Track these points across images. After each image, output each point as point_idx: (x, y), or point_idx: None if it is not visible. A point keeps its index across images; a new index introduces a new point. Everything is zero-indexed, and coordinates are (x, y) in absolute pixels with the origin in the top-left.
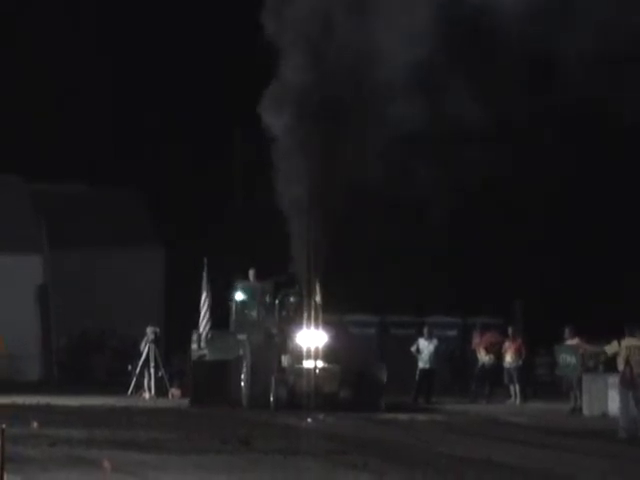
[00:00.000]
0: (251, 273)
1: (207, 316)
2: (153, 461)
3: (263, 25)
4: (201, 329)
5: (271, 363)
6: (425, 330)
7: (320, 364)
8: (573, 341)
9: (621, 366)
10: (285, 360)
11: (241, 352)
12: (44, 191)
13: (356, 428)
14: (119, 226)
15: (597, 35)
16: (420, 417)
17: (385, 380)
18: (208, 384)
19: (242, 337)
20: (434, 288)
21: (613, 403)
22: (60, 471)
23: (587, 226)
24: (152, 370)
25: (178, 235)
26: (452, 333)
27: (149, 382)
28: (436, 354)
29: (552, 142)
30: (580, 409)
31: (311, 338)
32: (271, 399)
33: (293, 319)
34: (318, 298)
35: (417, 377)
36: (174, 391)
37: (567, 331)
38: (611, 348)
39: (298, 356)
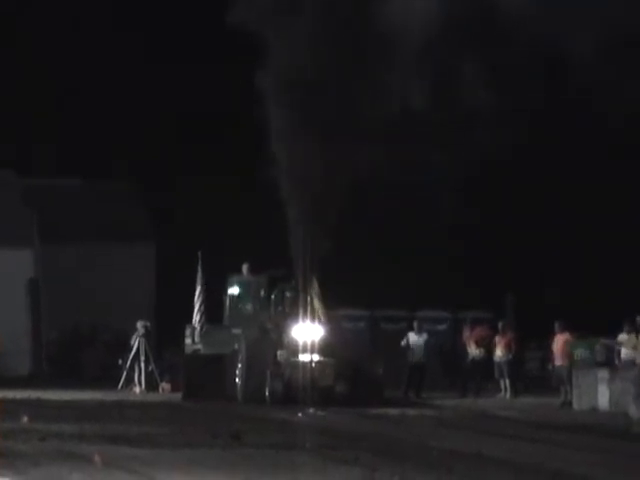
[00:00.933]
0: (245, 267)
1: (201, 310)
2: (144, 456)
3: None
4: (195, 323)
5: (266, 357)
6: (415, 324)
7: (316, 358)
8: (563, 335)
9: None
10: (281, 355)
11: (236, 346)
12: (36, 185)
13: (347, 423)
14: (110, 221)
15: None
16: (411, 411)
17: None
18: (201, 378)
19: (237, 331)
20: (424, 282)
21: (603, 397)
22: (51, 466)
23: (579, 220)
24: (142, 364)
25: (169, 230)
26: (442, 327)
27: (139, 376)
28: (426, 348)
29: (550, 137)
30: (570, 403)
31: (307, 332)
32: (266, 393)
33: (289, 314)
34: (317, 292)
35: (407, 371)
36: (164, 385)
37: (557, 325)
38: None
39: (294, 350)
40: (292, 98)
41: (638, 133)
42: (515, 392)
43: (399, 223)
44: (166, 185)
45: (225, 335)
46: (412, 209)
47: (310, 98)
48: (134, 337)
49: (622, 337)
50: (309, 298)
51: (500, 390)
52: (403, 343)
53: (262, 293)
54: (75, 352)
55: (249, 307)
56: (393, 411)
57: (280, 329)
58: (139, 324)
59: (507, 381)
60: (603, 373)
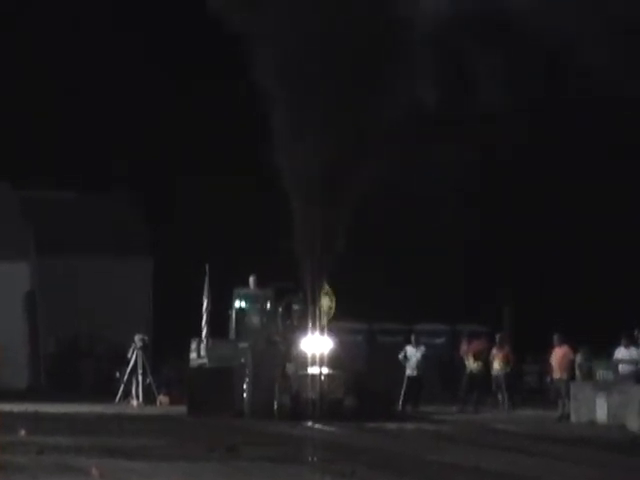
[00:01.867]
0: (251, 280)
1: (208, 323)
2: (141, 468)
3: None
4: (203, 337)
5: (274, 371)
6: (412, 338)
7: (325, 370)
8: (562, 348)
9: None
10: (289, 368)
11: (243, 360)
12: (33, 198)
13: (345, 436)
14: (108, 233)
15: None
16: (409, 425)
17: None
18: (207, 392)
19: (243, 345)
20: (422, 295)
21: (601, 410)
22: (49, 479)
23: (578, 234)
24: (140, 377)
25: (167, 243)
26: (440, 340)
27: (137, 389)
28: (423, 362)
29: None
30: (568, 416)
31: (315, 344)
32: (274, 407)
33: (297, 326)
34: (330, 304)
35: (404, 385)
36: (162, 398)
37: (556, 338)
38: None
39: (302, 363)
40: (294, 97)
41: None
42: (513, 405)
43: (397, 235)
44: (164, 198)
45: (231, 349)
46: (411, 220)
47: (312, 98)
48: (131, 350)
49: (619, 351)
50: (317, 310)
51: (498, 403)
52: (400, 356)
53: (269, 306)
54: (73, 365)
55: (256, 320)
56: (391, 425)
57: (288, 342)
58: (137, 337)
59: (505, 394)
60: (601, 386)
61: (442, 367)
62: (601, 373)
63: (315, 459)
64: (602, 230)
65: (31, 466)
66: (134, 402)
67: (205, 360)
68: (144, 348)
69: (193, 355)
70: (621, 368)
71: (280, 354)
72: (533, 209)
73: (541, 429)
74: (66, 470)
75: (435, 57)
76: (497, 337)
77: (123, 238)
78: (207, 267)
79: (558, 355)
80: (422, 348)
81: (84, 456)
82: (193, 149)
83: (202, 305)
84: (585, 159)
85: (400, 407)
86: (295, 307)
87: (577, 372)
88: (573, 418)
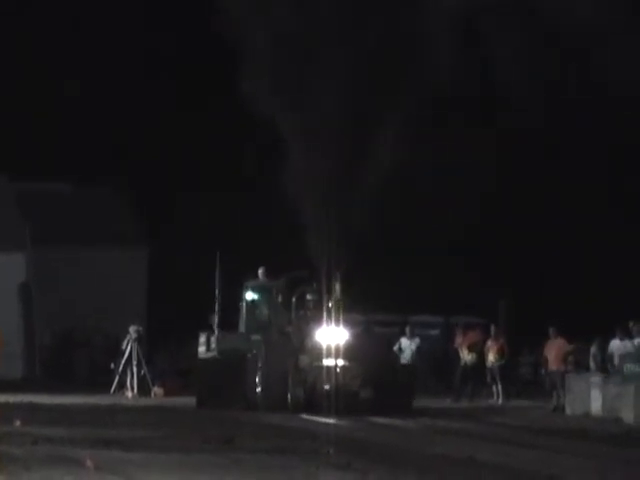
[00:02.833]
0: (261, 272)
1: (218, 315)
2: (136, 459)
3: None
4: (214, 329)
5: (287, 363)
6: (407, 329)
7: (341, 362)
8: (557, 341)
9: None
10: (303, 360)
11: (255, 352)
12: (29, 190)
13: (341, 428)
14: (103, 225)
15: None
16: (404, 417)
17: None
18: (217, 385)
19: (255, 337)
20: (417, 287)
21: (596, 402)
22: (43, 469)
23: (575, 229)
24: (135, 369)
25: (162, 234)
26: (435, 332)
27: (132, 381)
28: (418, 353)
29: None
30: (563, 408)
31: (331, 335)
32: (288, 399)
33: (311, 317)
34: (339, 295)
35: None
36: (156, 390)
37: (552, 331)
38: None
39: (317, 354)
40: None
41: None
42: (507, 397)
43: (393, 228)
44: (160, 188)
45: (243, 341)
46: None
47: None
48: (126, 341)
49: (614, 343)
50: (333, 300)
51: (492, 395)
52: (395, 348)
53: (280, 298)
54: (68, 356)
55: (266, 313)
56: (385, 417)
57: (302, 333)
58: (131, 328)
59: (499, 386)
60: (596, 378)
61: (436, 359)
62: (629, 367)
63: (311, 451)
64: (597, 225)
65: (26, 457)
66: (129, 393)
67: (215, 353)
68: (139, 339)
69: (201, 348)
70: (615, 360)
71: (293, 346)
72: (532, 203)
73: (536, 421)
74: (61, 461)
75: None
76: (492, 329)
77: (118, 230)
78: (218, 256)
79: (553, 347)
80: (417, 340)
81: (79, 447)
82: (193, 149)
83: (214, 295)
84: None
85: None
86: (309, 297)
87: (591, 363)
88: (568, 410)
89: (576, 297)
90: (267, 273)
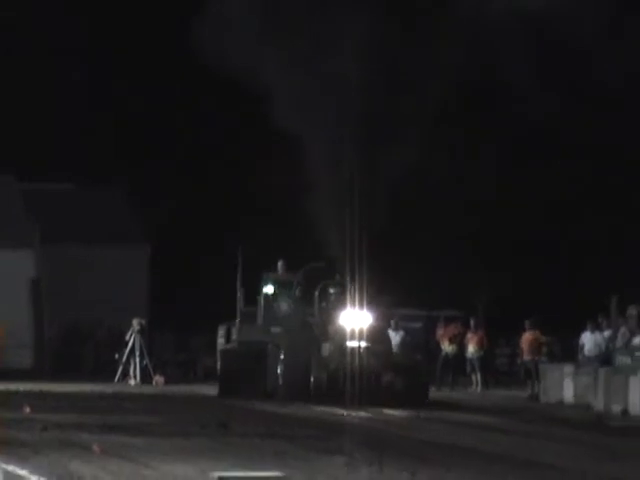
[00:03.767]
0: (280, 265)
1: (240, 309)
2: (139, 444)
3: None
4: (236, 321)
5: (310, 351)
6: (392, 322)
7: (364, 344)
8: (532, 332)
9: None
10: (326, 347)
11: (277, 343)
12: (35, 190)
13: (332, 415)
14: (106, 222)
15: None
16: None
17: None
18: (238, 375)
19: (275, 329)
20: (401, 282)
21: (568, 391)
22: (52, 454)
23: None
24: (137, 359)
25: (164, 232)
26: (417, 325)
27: (135, 370)
28: (402, 345)
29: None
30: (537, 396)
31: (354, 319)
32: (311, 386)
33: (333, 308)
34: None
35: None
36: (158, 379)
37: (527, 323)
38: None
39: (341, 338)
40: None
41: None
42: (486, 386)
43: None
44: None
45: (263, 333)
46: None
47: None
48: (130, 333)
49: (585, 336)
50: (355, 290)
51: (472, 384)
52: None
53: (299, 292)
54: (75, 348)
55: (285, 305)
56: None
57: (325, 322)
58: (134, 321)
59: (478, 375)
60: (568, 368)
61: (418, 350)
62: (620, 359)
63: (302, 436)
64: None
65: (35, 442)
66: (132, 382)
67: (235, 345)
68: (141, 331)
69: (221, 340)
70: (586, 351)
71: (315, 336)
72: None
73: (513, 408)
74: (68, 446)
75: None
76: (472, 322)
77: (120, 227)
78: (240, 249)
79: (528, 339)
80: (401, 332)
81: (85, 433)
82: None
83: (236, 289)
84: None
85: None
86: (331, 290)
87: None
88: (542, 398)
89: (550, 292)
90: (288, 265)
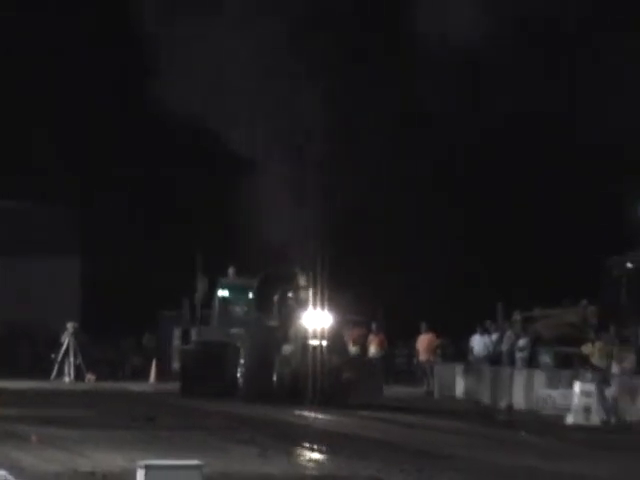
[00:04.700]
0: (231, 271)
1: (199, 311)
2: (74, 435)
3: None
4: (195, 324)
5: (271, 351)
6: None
7: (325, 343)
8: (427, 335)
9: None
10: (287, 348)
11: (237, 343)
12: None
13: (250, 409)
14: (43, 236)
15: None
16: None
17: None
18: (199, 374)
19: (235, 330)
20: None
21: (459, 387)
22: None
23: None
24: (71, 358)
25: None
26: None
27: (69, 368)
28: None
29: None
30: (432, 393)
31: (315, 319)
32: (273, 384)
33: (293, 311)
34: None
35: None
36: (90, 376)
37: (423, 326)
38: (586, 349)
39: (303, 337)
40: None
41: None
42: (386, 383)
43: None
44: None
45: (222, 334)
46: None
47: None
48: (64, 335)
49: (474, 338)
50: (315, 291)
51: None
52: None
53: (257, 296)
54: (12, 347)
55: (240, 309)
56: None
57: (285, 326)
58: (69, 324)
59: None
60: (460, 367)
61: None
62: (543, 359)
63: (221, 428)
64: (459, 233)
65: None
66: (66, 379)
67: (195, 345)
68: (75, 333)
69: (176, 342)
70: (476, 352)
71: (275, 337)
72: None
73: (410, 403)
74: (10, 437)
75: None
76: (373, 325)
77: (56, 240)
78: (199, 257)
79: (424, 340)
80: None
81: (25, 424)
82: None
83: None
84: None
85: None
86: (290, 295)
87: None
88: (436, 394)
89: (443, 297)
90: (240, 271)
